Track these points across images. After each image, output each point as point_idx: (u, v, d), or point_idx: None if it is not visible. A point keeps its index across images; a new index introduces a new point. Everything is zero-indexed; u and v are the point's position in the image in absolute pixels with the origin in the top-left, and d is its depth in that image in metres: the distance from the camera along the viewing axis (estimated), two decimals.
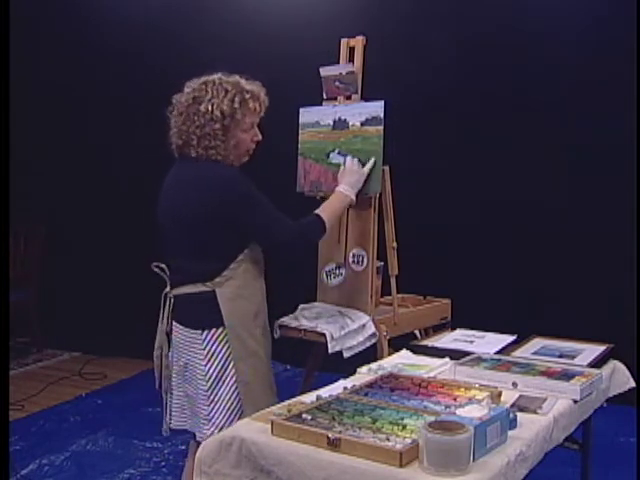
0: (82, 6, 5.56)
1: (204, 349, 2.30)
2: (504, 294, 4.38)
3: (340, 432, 1.69)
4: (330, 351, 2.83)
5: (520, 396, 2.04)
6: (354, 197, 2.58)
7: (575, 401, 2.05)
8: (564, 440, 2.04)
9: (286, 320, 3.03)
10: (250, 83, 2.43)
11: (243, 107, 2.34)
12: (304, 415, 1.81)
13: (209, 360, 2.30)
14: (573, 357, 2.46)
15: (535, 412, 1.93)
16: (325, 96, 3.20)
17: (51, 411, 4.29)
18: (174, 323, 2.42)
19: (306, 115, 3.23)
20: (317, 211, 2.42)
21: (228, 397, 2.30)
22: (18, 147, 4.65)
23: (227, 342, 2.30)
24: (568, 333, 2.77)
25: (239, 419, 2.23)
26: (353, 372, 2.33)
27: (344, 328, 2.87)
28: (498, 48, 4.45)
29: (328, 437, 1.66)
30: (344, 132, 3.09)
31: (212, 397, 2.30)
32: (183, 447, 3.65)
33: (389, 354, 2.75)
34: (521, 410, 1.92)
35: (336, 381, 2.20)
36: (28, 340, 5.64)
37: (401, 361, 2.43)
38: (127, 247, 5.30)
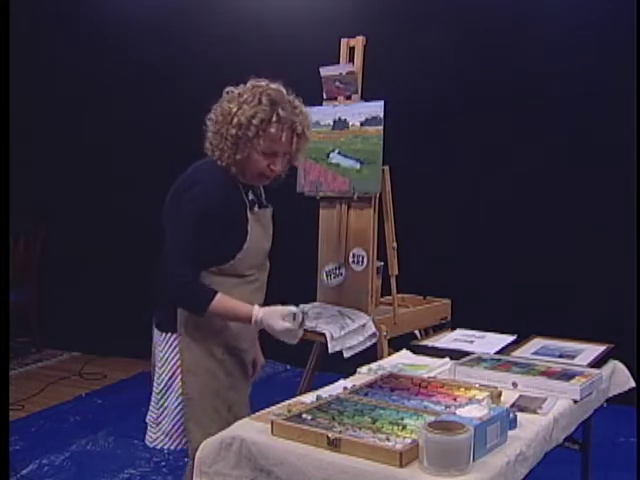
0: (82, 6, 5.56)
1: (161, 352, 2.20)
2: (504, 294, 4.38)
3: (340, 432, 1.69)
4: (330, 351, 2.83)
5: (520, 396, 2.04)
6: (253, 327, 2.14)
7: (575, 401, 2.05)
8: (564, 440, 2.04)
9: None
10: (296, 109, 2.19)
11: (261, 127, 2.10)
12: (304, 415, 1.81)
13: (162, 364, 2.19)
14: (573, 357, 2.46)
15: (535, 412, 1.93)
16: (325, 96, 3.20)
17: (51, 411, 4.29)
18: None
19: None
20: (220, 294, 2.07)
21: (174, 406, 2.19)
22: (18, 147, 4.65)
23: (179, 351, 2.16)
24: (568, 333, 2.77)
25: (183, 431, 2.18)
26: (353, 372, 2.33)
27: (344, 328, 2.87)
28: (498, 48, 4.45)
29: (328, 437, 1.66)
30: (344, 132, 3.09)
31: (161, 402, 2.20)
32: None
33: (389, 354, 2.75)
34: (521, 410, 1.92)
35: (336, 381, 2.20)
36: (28, 340, 5.64)
37: (401, 361, 2.43)
38: (127, 247, 5.30)
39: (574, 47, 4.27)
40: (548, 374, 2.18)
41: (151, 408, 2.25)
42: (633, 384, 2.57)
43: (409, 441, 1.62)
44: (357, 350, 2.89)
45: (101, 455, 3.65)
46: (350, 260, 3.09)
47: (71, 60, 5.52)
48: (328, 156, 3.14)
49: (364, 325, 2.93)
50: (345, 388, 2.07)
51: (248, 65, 5.17)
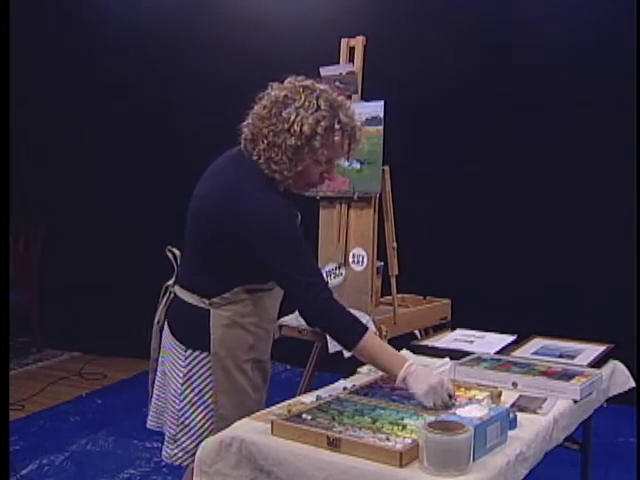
0: (83, 6, 5.56)
1: (185, 367, 2.07)
2: (504, 294, 4.38)
3: (340, 432, 1.69)
4: (330, 351, 2.83)
5: (520, 396, 2.04)
6: (397, 380, 1.91)
7: (575, 401, 2.05)
8: (564, 440, 2.04)
9: (286, 320, 3.03)
10: (349, 110, 2.01)
11: (326, 136, 1.95)
12: (304, 415, 1.81)
13: (187, 381, 2.08)
14: (573, 357, 2.46)
15: (535, 412, 1.93)
16: None
17: (51, 411, 4.29)
18: (166, 324, 2.19)
19: None
20: (372, 335, 1.94)
21: (200, 425, 2.08)
22: (18, 147, 4.65)
23: (209, 369, 2.06)
24: (568, 333, 2.77)
25: None
26: (353, 372, 2.33)
27: None
28: (498, 48, 4.45)
29: (328, 437, 1.66)
30: None
31: (182, 420, 2.09)
32: None
33: None
34: (521, 410, 1.92)
35: (336, 381, 2.20)
36: (28, 340, 5.64)
37: None
38: (127, 247, 5.30)
39: (574, 47, 4.27)
40: (548, 374, 2.18)
41: (169, 424, 2.13)
42: (633, 384, 2.56)
43: (409, 441, 1.62)
44: None
45: (101, 455, 3.65)
46: (350, 260, 3.09)
47: (71, 60, 5.52)
48: None
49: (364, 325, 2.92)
50: (345, 388, 2.07)
51: (248, 65, 5.19)
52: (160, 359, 2.23)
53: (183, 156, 5.18)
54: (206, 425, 2.09)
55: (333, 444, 1.65)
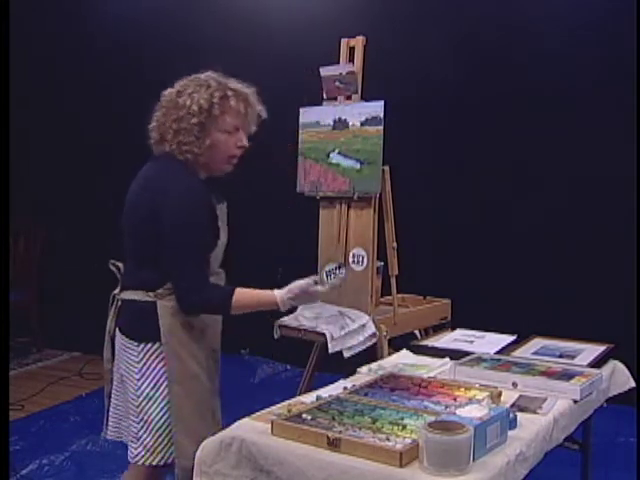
0: (83, 6, 5.56)
1: (138, 363, 2.11)
2: (504, 294, 4.38)
3: (340, 432, 1.69)
4: (330, 351, 2.83)
5: (520, 396, 2.04)
6: (281, 308, 2.19)
7: (575, 401, 2.05)
8: (564, 440, 2.04)
9: (286, 320, 3.04)
10: (240, 84, 2.25)
11: (223, 104, 2.15)
12: (304, 415, 1.81)
13: (142, 376, 2.11)
14: (573, 357, 2.46)
15: (535, 412, 1.93)
16: (325, 96, 3.20)
17: (51, 411, 4.28)
18: (116, 328, 2.23)
19: (306, 115, 3.23)
20: (237, 289, 2.12)
21: (158, 418, 2.10)
22: (18, 147, 4.65)
23: (163, 360, 2.09)
24: (568, 333, 2.77)
25: (169, 443, 2.11)
26: (353, 372, 2.33)
27: (344, 328, 2.88)
28: (498, 48, 4.45)
29: (328, 437, 1.66)
30: (344, 132, 3.09)
31: (142, 415, 2.11)
32: None
33: (389, 354, 2.75)
34: (521, 410, 1.92)
35: (336, 381, 2.20)
36: (28, 340, 5.64)
37: (401, 361, 2.43)
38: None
39: (574, 47, 4.27)
40: (548, 374, 2.18)
41: (131, 422, 2.15)
42: (633, 384, 2.57)
43: (409, 441, 1.62)
44: (357, 350, 2.89)
45: (101, 455, 3.65)
46: (350, 260, 3.09)
47: (72, 60, 5.52)
48: (328, 156, 3.14)
49: (364, 325, 2.93)
50: (345, 388, 2.07)
51: (248, 65, 5.18)
52: (115, 367, 2.24)
53: None
54: (164, 418, 2.11)
55: (333, 444, 1.65)
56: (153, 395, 2.10)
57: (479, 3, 4.53)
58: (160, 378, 2.10)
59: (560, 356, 2.48)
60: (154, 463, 2.12)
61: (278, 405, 1.97)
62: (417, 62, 4.55)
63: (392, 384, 2.09)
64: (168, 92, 2.22)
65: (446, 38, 4.53)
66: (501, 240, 4.46)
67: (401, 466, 1.56)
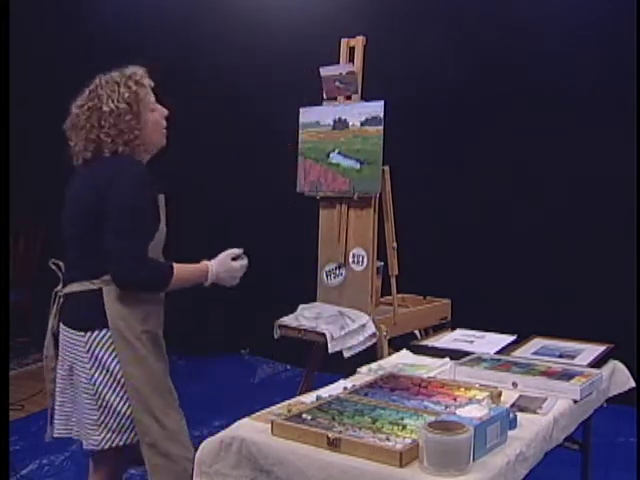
0: (83, 6, 5.57)
1: (87, 352, 2.13)
2: (504, 294, 4.38)
3: (340, 432, 1.69)
4: (330, 351, 2.83)
5: (520, 396, 2.04)
6: (209, 282, 2.31)
7: (575, 401, 2.05)
8: (564, 440, 2.04)
9: (286, 320, 3.04)
10: (130, 68, 2.37)
11: (140, 87, 2.29)
12: (304, 415, 1.81)
13: (94, 364, 2.13)
14: (573, 357, 2.46)
15: (535, 412, 1.93)
16: (325, 96, 3.21)
17: None
18: (60, 324, 2.25)
19: (306, 115, 3.24)
20: (175, 265, 2.19)
21: (117, 401, 2.13)
22: (18, 147, 4.65)
23: (112, 345, 2.13)
24: (568, 333, 2.77)
25: (131, 424, 2.14)
26: (353, 372, 2.33)
27: (344, 328, 2.88)
28: (498, 48, 4.45)
29: (328, 437, 1.66)
30: (344, 132, 3.09)
31: (100, 402, 2.13)
32: None
33: (389, 354, 2.75)
34: (521, 410, 1.92)
35: (336, 381, 2.19)
36: (28, 340, 5.63)
37: (401, 361, 2.43)
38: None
39: (574, 47, 4.27)
40: (548, 374, 2.18)
41: (86, 412, 2.16)
42: (633, 384, 2.57)
43: (409, 441, 1.62)
44: (357, 350, 2.89)
45: None
46: (350, 260, 3.09)
47: (72, 59, 5.52)
48: (328, 156, 3.14)
49: (364, 325, 2.93)
50: (345, 388, 2.07)
51: (248, 65, 5.18)
52: (60, 364, 2.26)
53: (183, 156, 5.18)
54: (123, 401, 2.14)
55: (333, 444, 1.65)
56: (107, 381, 2.14)
57: (479, 3, 4.53)
58: (112, 363, 2.13)
59: (560, 356, 2.48)
60: (121, 443, 2.16)
61: (278, 405, 1.97)
62: (417, 62, 4.55)
63: (392, 384, 2.09)
64: (81, 111, 2.29)
65: (446, 38, 4.53)
66: (501, 240, 4.46)
67: (401, 466, 1.56)
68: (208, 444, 1.82)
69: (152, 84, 2.37)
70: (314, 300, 3.20)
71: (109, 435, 2.15)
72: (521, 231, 4.45)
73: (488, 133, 4.50)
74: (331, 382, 2.19)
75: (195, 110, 5.10)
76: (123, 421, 2.15)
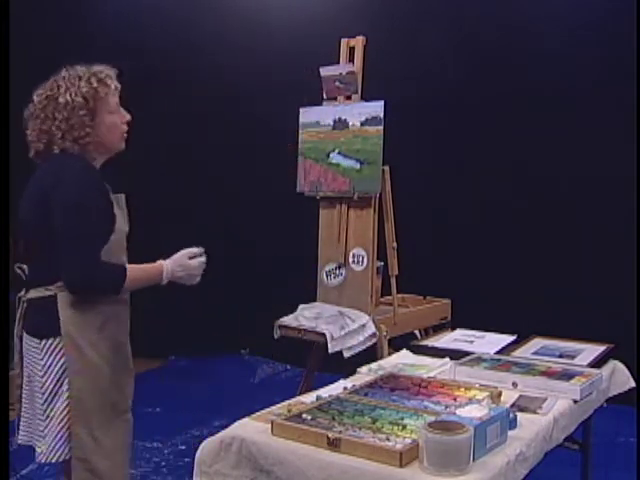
0: (83, 6, 5.56)
1: (41, 360, 2.08)
2: (504, 294, 4.38)
3: (340, 432, 1.69)
4: (330, 351, 2.83)
5: (520, 396, 2.04)
6: (165, 281, 2.23)
7: (575, 401, 2.05)
8: (564, 440, 2.04)
9: (286, 320, 3.04)
10: (99, 66, 2.31)
11: (102, 86, 2.21)
12: (304, 415, 1.81)
13: (45, 372, 2.07)
14: (573, 357, 2.46)
15: (535, 412, 1.93)
16: (325, 96, 3.21)
17: None
18: (23, 330, 2.20)
19: (306, 115, 3.23)
20: (128, 266, 2.14)
21: (60, 413, 2.06)
22: (18, 147, 4.64)
23: (63, 353, 2.06)
24: (568, 333, 2.77)
25: (69, 438, 2.06)
26: (353, 372, 2.33)
27: (344, 328, 2.88)
28: (498, 48, 4.45)
29: (328, 437, 1.66)
30: (344, 132, 3.09)
31: (48, 412, 2.07)
32: (183, 447, 3.66)
33: (389, 354, 2.75)
34: (521, 410, 1.92)
35: (336, 381, 2.19)
36: None
37: (401, 361, 2.43)
38: (127, 246, 5.29)
39: (574, 47, 4.27)
40: (548, 374, 2.18)
41: (37, 422, 2.12)
42: (633, 384, 2.57)
43: (409, 441, 1.62)
44: (357, 350, 2.89)
45: None
46: (350, 260, 3.09)
47: (72, 59, 5.51)
48: (328, 156, 3.14)
49: (364, 325, 2.93)
50: (345, 388, 2.07)
51: (248, 65, 5.18)
52: (25, 370, 2.21)
53: (183, 155, 5.18)
54: (64, 413, 2.07)
55: (333, 444, 1.65)
56: (57, 390, 2.08)
57: (479, 3, 4.53)
58: (63, 373, 2.07)
59: (560, 356, 2.47)
60: (53, 460, 2.09)
61: (278, 405, 1.97)
62: (417, 62, 4.55)
63: (392, 384, 2.09)
64: (38, 100, 2.21)
65: (446, 38, 4.53)
66: (501, 240, 4.46)
67: (401, 466, 1.56)
68: (208, 444, 1.82)
69: (118, 87, 2.30)
70: (314, 300, 3.20)
71: (46, 450, 2.08)
72: (521, 231, 4.45)
73: (488, 133, 4.50)
74: (331, 382, 2.18)
75: (195, 110, 5.10)
76: (61, 435, 2.07)
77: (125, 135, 2.32)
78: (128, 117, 2.31)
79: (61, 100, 2.15)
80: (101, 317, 2.12)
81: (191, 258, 2.26)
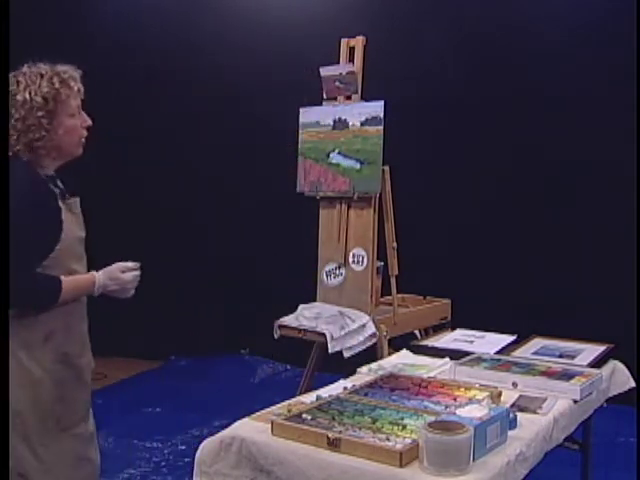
0: (83, 6, 5.56)
1: None
2: (504, 294, 4.38)
3: (340, 432, 1.69)
4: (330, 351, 2.83)
5: (520, 396, 2.04)
6: (96, 293, 2.17)
7: (575, 401, 2.05)
8: (564, 440, 2.04)
9: (286, 320, 3.04)
10: (65, 66, 2.20)
11: (64, 87, 2.10)
12: (304, 415, 1.81)
13: None
14: (573, 357, 2.46)
15: (535, 412, 1.93)
16: (325, 96, 3.21)
17: None
18: None
19: (306, 115, 3.23)
20: (63, 278, 2.05)
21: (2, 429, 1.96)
22: None
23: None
24: (568, 333, 2.77)
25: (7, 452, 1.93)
26: (353, 372, 2.33)
27: (344, 328, 2.88)
28: (498, 48, 4.45)
29: (328, 437, 1.66)
30: (344, 132, 3.09)
31: None
32: (183, 447, 3.66)
33: (389, 354, 2.75)
34: (521, 410, 1.92)
35: (336, 381, 2.19)
36: None
37: (401, 361, 2.43)
38: (127, 246, 5.29)
39: (574, 47, 4.27)
40: (548, 374, 2.18)
41: None
42: (633, 384, 2.57)
43: (409, 441, 1.62)
44: (357, 350, 2.89)
45: (101, 455, 3.64)
46: (350, 260, 3.09)
47: (72, 59, 5.51)
48: (328, 156, 3.14)
49: (364, 325, 2.93)
50: (345, 388, 2.06)
51: (248, 65, 5.18)
52: None
53: (183, 155, 5.18)
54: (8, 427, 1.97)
55: (333, 444, 1.65)
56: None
57: (479, 3, 4.54)
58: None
59: (560, 356, 2.47)
60: None
61: (278, 405, 1.97)
62: (417, 62, 4.55)
63: (392, 384, 2.09)
64: None
65: (446, 38, 4.53)
66: (501, 240, 4.46)
67: (401, 466, 1.56)
68: (208, 444, 1.82)
69: (82, 89, 2.19)
70: (314, 300, 3.20)
71: None
72: (521, 231, 4.45)
73: (488, 133, 4.50)
74: (331, 382, 2.18)
75: (195, 110, 5.10)
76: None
77: (83, 141, 2.21)
78: (89, 122, 2.20)
79: (19, 98, 2.04)
80: (45, 330, 2.03)
81: (123, 271, 2.19)
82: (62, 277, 2.04)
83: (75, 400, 2.12)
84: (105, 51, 5.38)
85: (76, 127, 2.15)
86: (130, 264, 2.23)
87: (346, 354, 2.85)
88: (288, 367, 4.95)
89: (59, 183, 2.17)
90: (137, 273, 2.22)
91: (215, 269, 5.04)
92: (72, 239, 2.12)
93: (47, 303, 2.03)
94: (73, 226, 2.14)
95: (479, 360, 2.34)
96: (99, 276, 2.15)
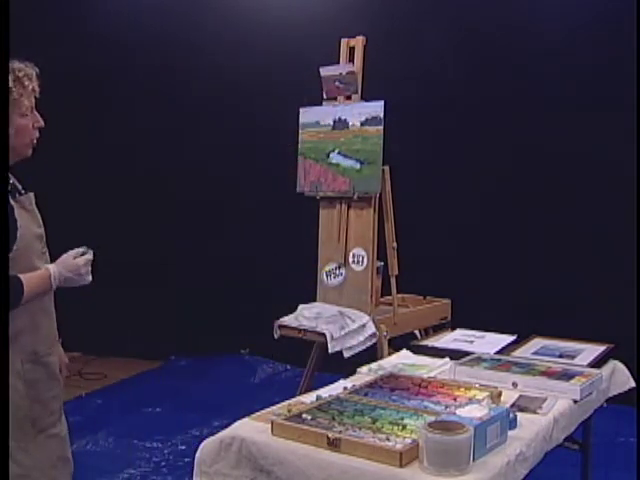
0: (83, 6, 5.56)
1: None
2: (504, 294, 4.38)
3: (340, 432, 1.69)
4: (330, 351, 2.83)
5: (520, 396, 2.04)
6: (54, 286, 2.11)
7: (575, 401, 2.05)
8: (564, 440, 2.04)
9: (286, 320, 3.04)
10: (22, 63, 2.12)
11: (18, 86, 2.02)
12: (304, 415, 1.81)
13: None
14: (573, 357, 2.46)
15: (535, 412, 1.93)
16: (325, 96, 3.21)
17: None
18: None
19: (306, 115, 3.24)
20: (22, 277, 1.98)
21: None
22: None
23: None
24: (568, 333, 2.77)
25: None
26: (353, 372, 2.33)
27: (344, 328, 2.88)
28: (498, 48, 4.45)
29: (328, 437, 1.66)
30: (344, 132, 3.10)
31: None
32: (183, 447, 3.66)
33: (389, 354, 2.75)
34: (521, 410, 1.92)
35: (336, 381, 2.19)
36: None
37: (401, 361, 2.43)
38: (127, 247, 5.29)
39: (574, 47, 4.27)
40: (548, 374, 2.18)
41: None
42: (633, 384, 2.57)
43: (409, 441, 1.62)
44: (357, 350, 2.89)
45: (101, 455, 3.65)
46: (350, 260, 3.09)
47: (73, 59, 5.52)
48: (328, 156, 3.14)
49: (364, 325, 2.93)
50: (345, 388, 2.07)
51: (248, 65, 5.18)
52: None
53: (183, 155, 5.18)
54: None
55: (333, 444, 1.65)
56: None
57: (479, 3, 4.53)
58: None
59: (560, 356, 2.47)
60: None
61: (278, 405, 1.97)
62: (417, 62, 4.55)
63: (392, 384, 2.09)
64: None
65: (446, 38, 4.53)
66: (501, 240, 4.46)
67: (401, 466, 1.56)
68: (208, 444, 1.82)
69: (37, 89, 2.11)
70: (314, 300, 3.20)
71: None
72: (521, 231, 4.45)
73: (488, 133, 4.50)
74: (331, 382, 2.18)
75: (195, 110, 5.10)
76: None
77: (34, 142, 2.13)
78: (41, 123, 2.13)
79: None
80: (12, 330, 1.95)
81: (76, 257, 2.14)
82: (21, 276, 1.98)
83: (50, 399, 2.06)
84: (105, 51, 5.38)
85: (27, 127, 2.07)
86: (81, 249, 2.18)
87: (346, 354, 2.85)
88: (288, 367, 4.95)
89: (11, 180, 2.09)
90: (90, 257, 2.17)
91: (215, 269, 5.04)
92: (27, 237, 2.06)
93: (11, 305, 1.94)
94: (29, 223, 2.08)
95: (479, 360, 2.34)
96: (53, 268, 2.09)
